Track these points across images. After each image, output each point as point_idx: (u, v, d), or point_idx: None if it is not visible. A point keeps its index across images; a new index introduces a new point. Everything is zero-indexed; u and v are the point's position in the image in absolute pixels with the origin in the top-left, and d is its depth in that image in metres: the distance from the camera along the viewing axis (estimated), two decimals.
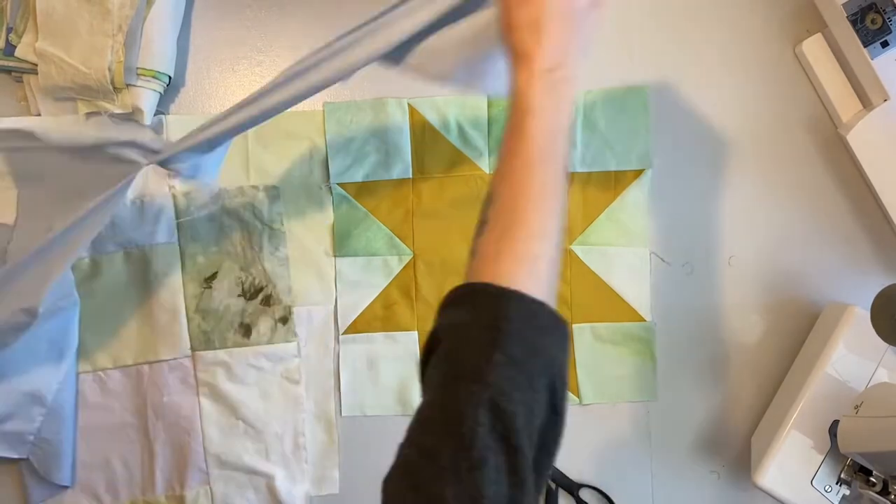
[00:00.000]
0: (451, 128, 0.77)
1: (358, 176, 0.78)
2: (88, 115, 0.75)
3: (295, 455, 0.77)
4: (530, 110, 0.49)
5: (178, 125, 0.76)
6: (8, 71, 0.75)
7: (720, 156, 0.78)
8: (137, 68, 0.72)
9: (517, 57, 0.51)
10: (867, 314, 0.63)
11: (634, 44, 0.77)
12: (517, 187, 0.48)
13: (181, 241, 0.76)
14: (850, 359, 0.70)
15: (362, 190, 0.78)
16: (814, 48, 0.75)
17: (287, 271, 0.77)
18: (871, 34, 0.70)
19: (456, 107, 0.77)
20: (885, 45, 0.70)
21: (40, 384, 0.73)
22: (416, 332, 0.78)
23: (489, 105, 0.77)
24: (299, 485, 0.77)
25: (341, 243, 0.77)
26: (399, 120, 0.77)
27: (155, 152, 0.67)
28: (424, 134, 0.77)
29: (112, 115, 0.74)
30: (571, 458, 0.77)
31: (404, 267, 0.78)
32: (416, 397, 0.76)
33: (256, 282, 0.77)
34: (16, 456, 0.74)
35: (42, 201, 0.72)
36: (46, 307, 0.66)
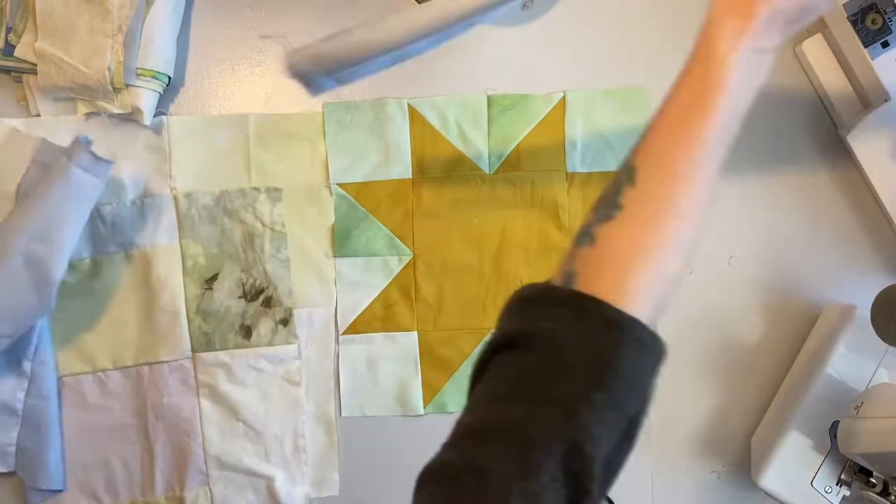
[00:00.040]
0: (451, 128, 0.77)
1: (358, 176, 0.77)
2: (88, 115, 0.75)
3: (295, 457, 0.77)
4: (724, 86, 0.42)
5: (179, 125, 0.76)
6: (7, 71, 0.75)
7: None
8: (137, 68, 0.72)
9: (728, 13, 0.44)
10: (867, 314, 0.63)
11: (634, 44, 0.77)
12: (679, 175, 0.41)
13: (182, 242, 0.76)
14: (850, 359, 0.70)
15: (362, 190, 0.77)
16: (814, 48, 0.75)
17: (288, 273, 0.77)
18: (872, 34, 0.70)
19: (456, 107, 0.77)
20: (885, 45, 0.70)
21: (6, 395, 0.73)
22: (415, 333, 0.78)
23: (489, 105, 0.77)
24: (299, 486, 0.76)
25: (341, 243, 0.77)
26: (399, 120, 0.77)
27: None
28: (424, 134, 0.77)
29: (112, 116, 0.75)
30: None
31: (404, 267, 0.78)
32: (415, 397, 0.77)
33: (257, 283, 0.77)
34: (3, 469, 0.74)
35: None
36: None
